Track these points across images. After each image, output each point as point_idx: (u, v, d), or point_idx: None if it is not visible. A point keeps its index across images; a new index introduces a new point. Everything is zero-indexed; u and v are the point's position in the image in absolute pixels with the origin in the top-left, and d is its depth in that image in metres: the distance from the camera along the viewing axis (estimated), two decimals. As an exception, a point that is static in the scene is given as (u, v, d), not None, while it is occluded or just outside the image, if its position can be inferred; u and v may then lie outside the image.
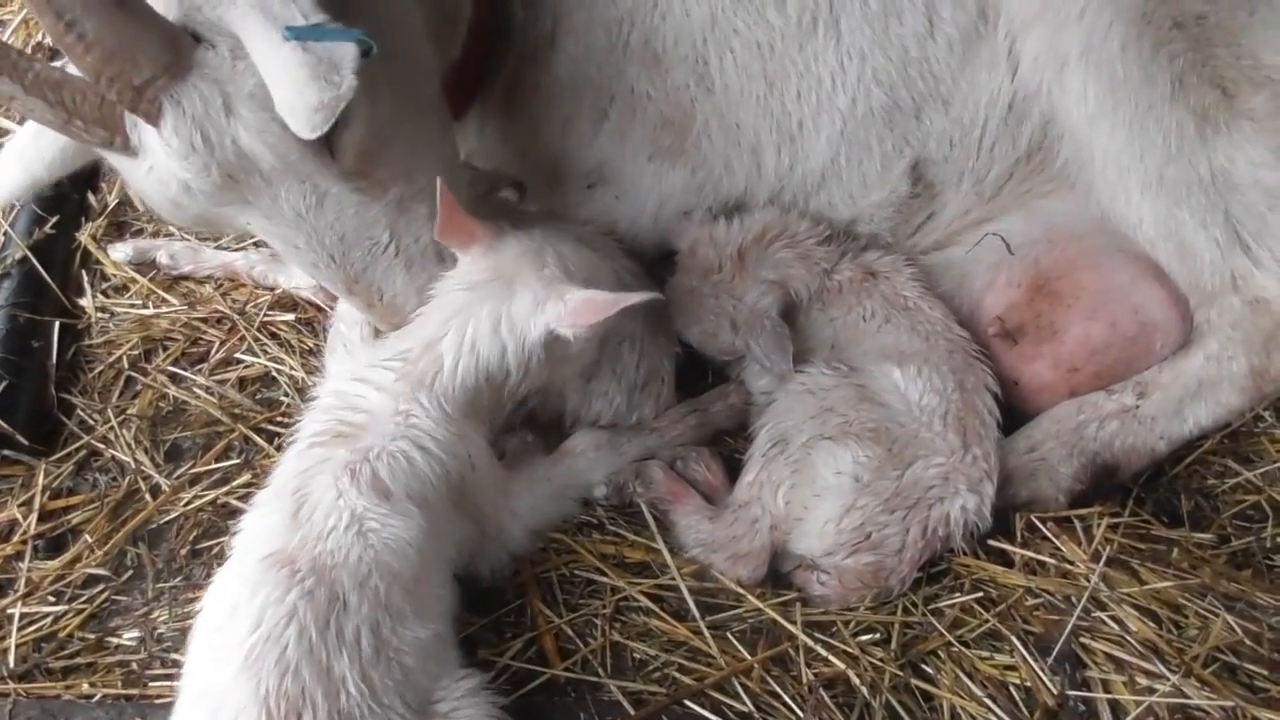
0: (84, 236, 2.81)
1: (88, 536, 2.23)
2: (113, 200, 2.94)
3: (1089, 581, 2.08)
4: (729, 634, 2.03)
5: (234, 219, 1.86)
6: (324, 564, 1.68)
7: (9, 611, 2.10)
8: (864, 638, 2.03)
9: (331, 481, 1.77)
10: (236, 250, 2.79)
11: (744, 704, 1.91)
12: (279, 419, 2.42)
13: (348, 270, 1.92)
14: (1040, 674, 1.96)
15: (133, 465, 2.35)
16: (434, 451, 1.85)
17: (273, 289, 2.70)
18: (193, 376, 2.54)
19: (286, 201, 1.81)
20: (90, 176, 2.98)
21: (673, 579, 2.10)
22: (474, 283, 1.93)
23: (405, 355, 1.91)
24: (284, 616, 1.62)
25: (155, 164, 1.73)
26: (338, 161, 1.80)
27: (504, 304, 1.90)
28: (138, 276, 2.73)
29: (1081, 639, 2.02)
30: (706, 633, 2.01)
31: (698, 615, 2.04)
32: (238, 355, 2.58)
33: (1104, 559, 2.11)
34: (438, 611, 1.81)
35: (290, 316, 2.64)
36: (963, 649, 2.02)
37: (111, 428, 2.43)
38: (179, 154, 1.69)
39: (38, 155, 1.95)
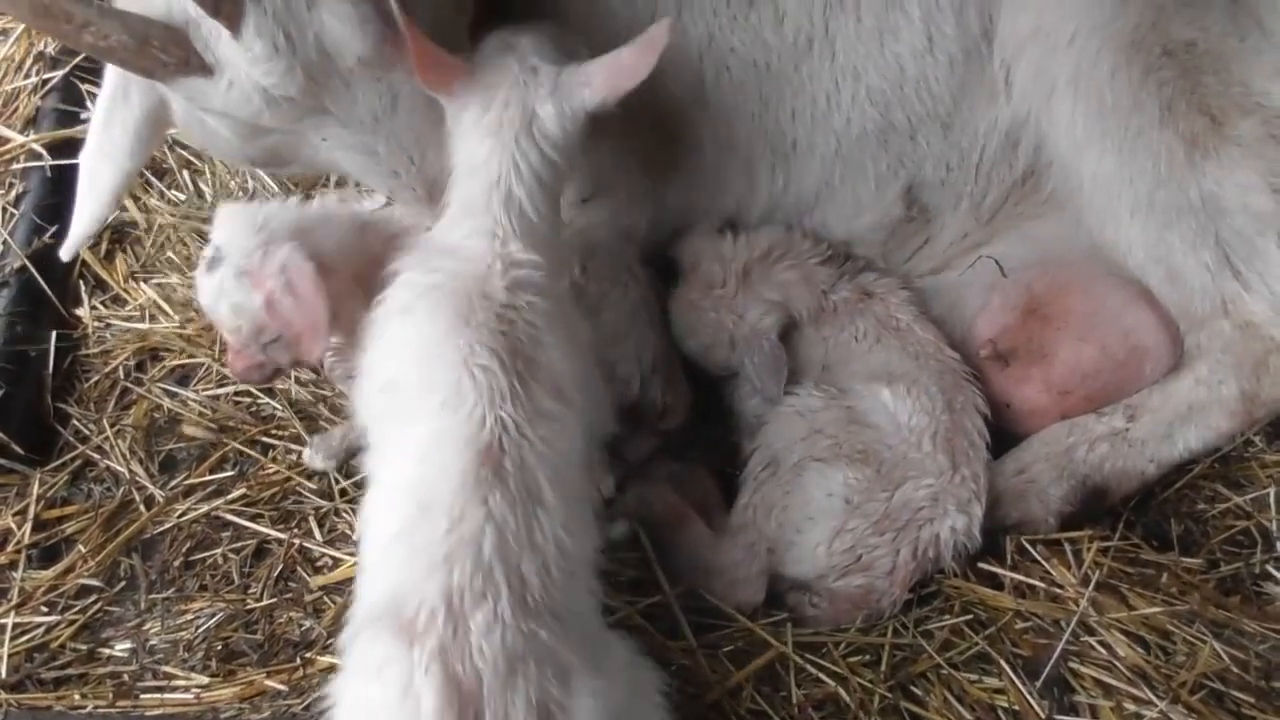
0: (83, 249, 2.79)
1: (81, 547, 2.23)
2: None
3: (1078, 605, 2.09)
4: (720, 653, 2.03)
5: (309, 136, 1.86)
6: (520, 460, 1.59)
7: (1, 621, 2.10)
8: (854, 659, 2.03)
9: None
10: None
11: (733, 723, 1.91)
12: (273, 432, 2.43)
13: (426, 172, 1.92)
14: (1028, 697, 1.97)
15: (127, 476, 2.36)
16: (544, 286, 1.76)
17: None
18: (187, 391, 2.54)
19: (364, 104, 1.83)
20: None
21: (665, 598, 2.10)
22: (480, 120, 1.83)
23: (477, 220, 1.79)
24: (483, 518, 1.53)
25: (235, 77, 1.72)
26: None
27: (524, 115, 1.81)
28: (128, 292, 2.72)
29: (1070, 663, 2.02)
30: (698, 652, 2.01)
31: (689, 635, 2.05)
32: (234, 368, 2.58)
33: (1093, 583, 2.12)
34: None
35: (286, 330, 2.64)
36: (952, 671, 2.02)
37: (106, 438, 2.43)
38: (262, 57, 1.68)
39: (115, 149, 1.94)
